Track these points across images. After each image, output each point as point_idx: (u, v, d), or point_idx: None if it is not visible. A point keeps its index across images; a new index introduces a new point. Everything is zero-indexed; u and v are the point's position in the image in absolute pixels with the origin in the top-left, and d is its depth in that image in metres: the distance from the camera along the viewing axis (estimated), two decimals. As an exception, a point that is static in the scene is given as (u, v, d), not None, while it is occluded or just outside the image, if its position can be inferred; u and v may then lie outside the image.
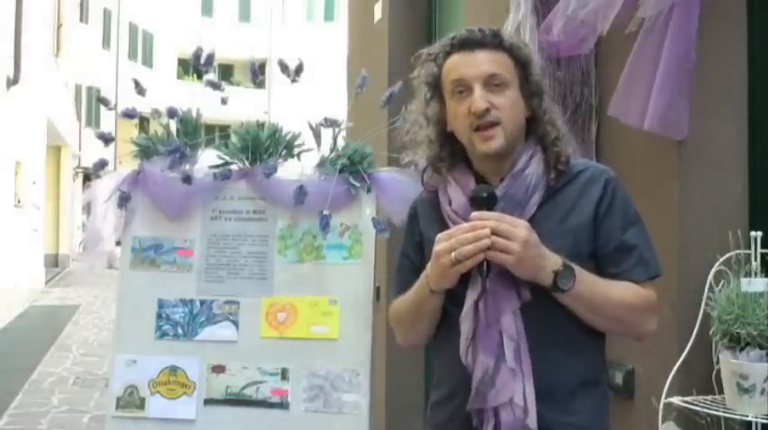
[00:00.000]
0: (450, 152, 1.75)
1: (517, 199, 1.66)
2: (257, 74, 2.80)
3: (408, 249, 1.87)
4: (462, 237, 1.57)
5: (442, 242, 1.61)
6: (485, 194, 1.62)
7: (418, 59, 1.78)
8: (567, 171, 1.69)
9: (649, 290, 1.69)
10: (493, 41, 1.68)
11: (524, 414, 1.59)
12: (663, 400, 2.17)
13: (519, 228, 1.56)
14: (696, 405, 2.11)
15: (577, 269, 1.60)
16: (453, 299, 1.69)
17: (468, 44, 1.68)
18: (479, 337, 1.63)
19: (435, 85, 1.74)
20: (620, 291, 1.65)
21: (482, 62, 1.66)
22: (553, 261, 1.58)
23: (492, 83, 1.65)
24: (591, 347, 1.72)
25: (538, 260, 1.57)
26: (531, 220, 1.63)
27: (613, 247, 1.68)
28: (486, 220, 1.57)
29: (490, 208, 1.61)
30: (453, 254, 1.57)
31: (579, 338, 1.68)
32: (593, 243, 1.68)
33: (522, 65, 1.69)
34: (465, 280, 1.65)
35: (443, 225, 1.71)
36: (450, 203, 1.72)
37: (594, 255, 1.68)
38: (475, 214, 1.59)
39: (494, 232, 1.55)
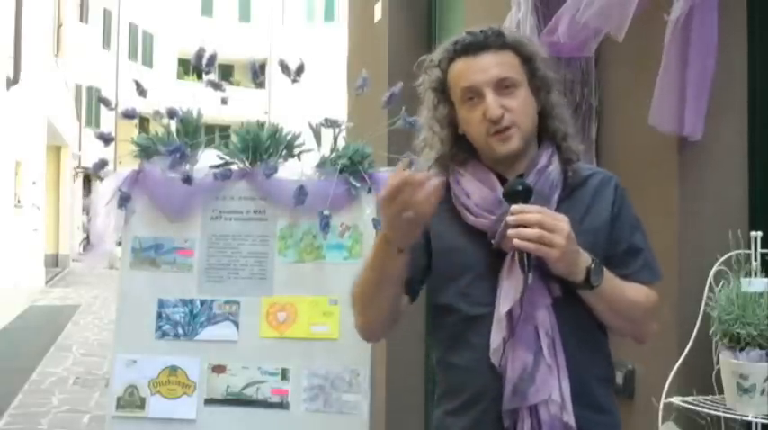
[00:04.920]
0: (464, 150, 1.72)
1: (544, 194, 1.64)
2: (257, 74, 2.80)
3: None
4: (527, 218, 1.51)
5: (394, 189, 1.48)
6: (520, 188, 1.58)
7: (421, 67, 1.75)
8: (578, 170, 1.70)
9: (654, 292, 1.71)
10: (496, 42, 1.65)
11: (561, 410, 1.57)
12: (663, 400, 2.17)
13: (562, 222, 1.53)
14: (696, 405, 2.11)
15: (603, 267, 1.61)
16: (467, 297, 1.65)
17: (471, 48, 1.65)
18: (517, 334, 1.59)
19: (442, 90, 1.71)
20: (635, 291, 1.67)
21: (489, 66, 1.63)
22: (585, 257, 1.57)
23: (502, 86, 1.63)
24: (605, 345, 1.74)
25: (575, 256, 1.55)
26: None
27: (623, 250, 1.69)
28: (530, 214, 1.52)
29: (526, 201, 1.56)
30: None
31: (598, 335, 1.70)
32: (607, 245, 1.68)
33: (527, 61, 1.67)
34: (477, 276, 1.64)
35: (453, 218, 1.69)
36: (468, 196, 1.68)
37: (605, 257, 1.68)
38: (516, 207, 1.54)
39: (539, 225, 1.51)
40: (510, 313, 1.60)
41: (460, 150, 1.72)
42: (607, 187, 1.71)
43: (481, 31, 1.67)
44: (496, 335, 1.61)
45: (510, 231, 1.52)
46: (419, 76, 1.77)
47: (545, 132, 1.71)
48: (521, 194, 1.57)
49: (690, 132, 2.17)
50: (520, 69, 1.66)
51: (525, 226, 1.51)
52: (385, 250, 1.61)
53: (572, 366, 1.61)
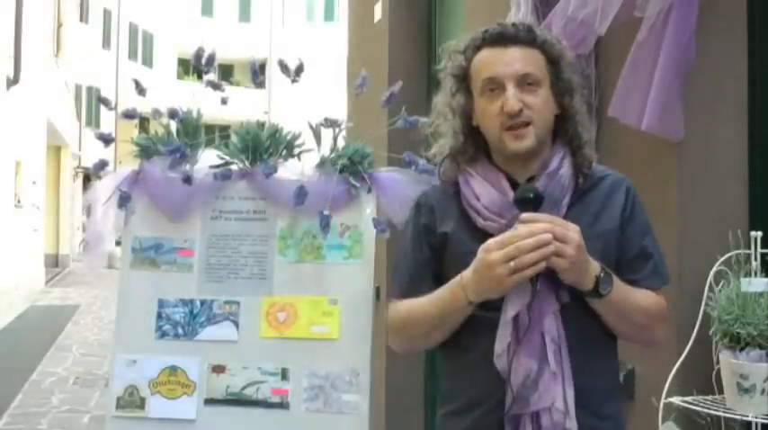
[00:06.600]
0: (474, 145, 1.70)
1: (554, 198, 1.62)
2: (257, 74, 2.80)
3: (417, 245, 1.76)
4: (523, 245, 1.48)
5: (493, 251, 1.51)
6: (531, 195, 1.56)
7: (444, 52, 1.74)
8: (591, 175, 1.68)
9: (661, 298, 1.70)
10: (526, 37, 1.64)
11: (564, 418, 1.56)
12: (663, 400, 2.17)
13: (572, 231, 1.52)
14: (696, 405, 2.11)
15: (613, 275, 1.59)
16: (484, 302, 1.63)
17: (501, 39, 1.64)
18: (522, 340, 1.58)
19: (462, 78, 1.69)
20: (643, 297, 1.65)
21: (515, 60, 1.62)
22: (594, 265, 1.56)
23: (525, 82, 1.61)
24: (613, 352, 1.72)
25: (585, 265, 1.54)
26: None
27: (634, 254, 1.67)
28: (540, 223, 1.51)
29: (536, 208, 1.55)
30: (513, 263, 1.49)
31: (606, 343, 1.69)
32: (617, 249, 1.66)
33: (553, 62, 1.66)
34: None
35: (465, 219, 1.68)
36: (478, 199, 1.66)
37: (616, 262, 1.66)
38: (525, 216, 1.53)
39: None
40: (516, 319, 1.58)
41: (472, 144, 1.70)
42: (618, 190, 1.69)
43: (513, 25, 1.67)
44: (501, 340, 1.59)
45: None
46: (444, 59, 1.74)
47: (561, 135, 1.69)
48: (531, 201, 1.55)
49: (647, 127, 2.18)
50: (544, 69, 1.64)
51: None
52: (458, 301, 1.61)
53: (577, 373, 1.59)
